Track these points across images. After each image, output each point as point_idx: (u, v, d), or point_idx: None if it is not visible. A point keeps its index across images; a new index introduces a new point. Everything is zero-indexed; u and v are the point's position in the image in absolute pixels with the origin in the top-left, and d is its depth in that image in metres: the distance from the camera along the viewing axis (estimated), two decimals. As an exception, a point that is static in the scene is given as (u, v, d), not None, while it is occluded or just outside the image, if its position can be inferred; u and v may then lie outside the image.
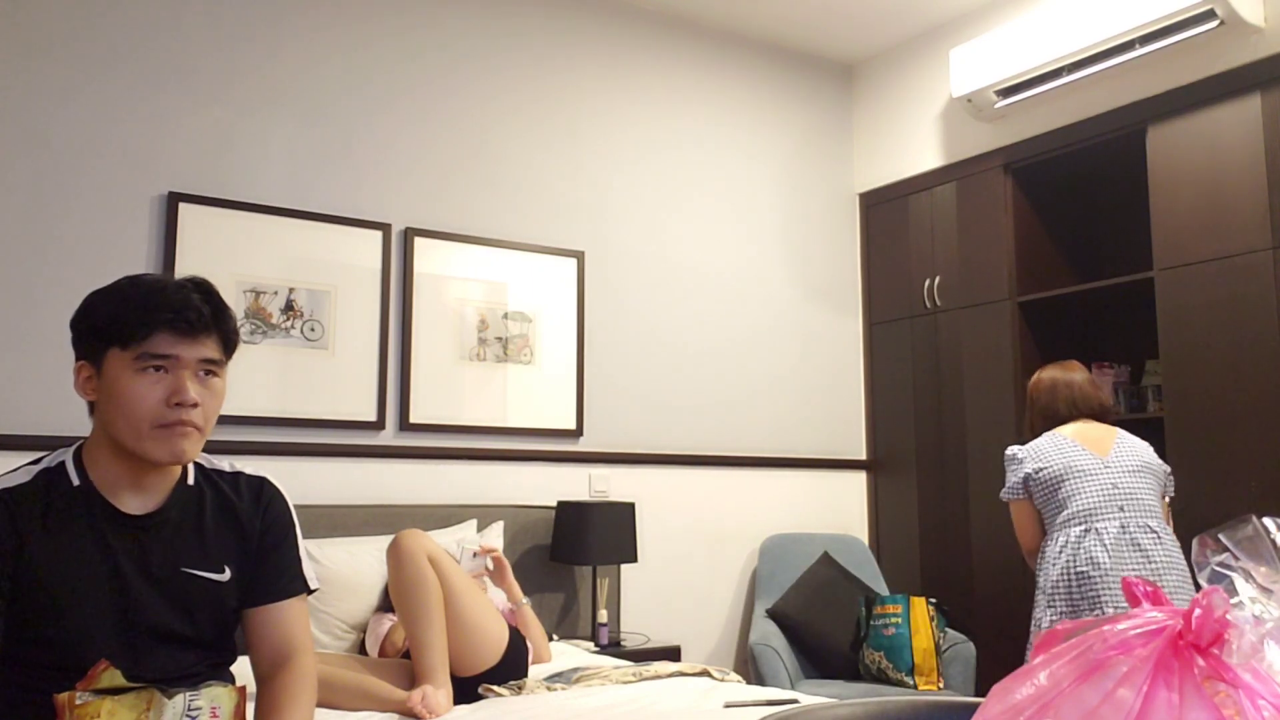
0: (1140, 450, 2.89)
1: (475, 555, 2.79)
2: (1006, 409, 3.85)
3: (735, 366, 4.19)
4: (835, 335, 4.50)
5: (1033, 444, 2.94)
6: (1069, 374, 3.03)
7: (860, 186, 4.63)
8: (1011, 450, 2.98)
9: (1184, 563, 2.73)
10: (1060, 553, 2.76)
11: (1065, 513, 2.80)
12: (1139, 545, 2.71)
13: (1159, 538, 2.75)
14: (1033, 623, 2.86)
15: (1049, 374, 3.07)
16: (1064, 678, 0.64)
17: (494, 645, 2.38)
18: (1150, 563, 2.70)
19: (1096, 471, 2.81)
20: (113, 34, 3.11)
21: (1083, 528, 2.75)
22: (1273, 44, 3.20)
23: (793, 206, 4.46)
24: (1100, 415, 2.98)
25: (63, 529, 1.44)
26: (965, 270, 4.08)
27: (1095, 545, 2.71)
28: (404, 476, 3.41)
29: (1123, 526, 2.74)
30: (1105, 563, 2.68)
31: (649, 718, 2.08)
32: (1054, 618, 2.71)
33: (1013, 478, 2.94)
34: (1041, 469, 2.86)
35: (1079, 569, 2.71)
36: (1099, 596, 2.67)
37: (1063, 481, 2.82)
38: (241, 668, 1.61)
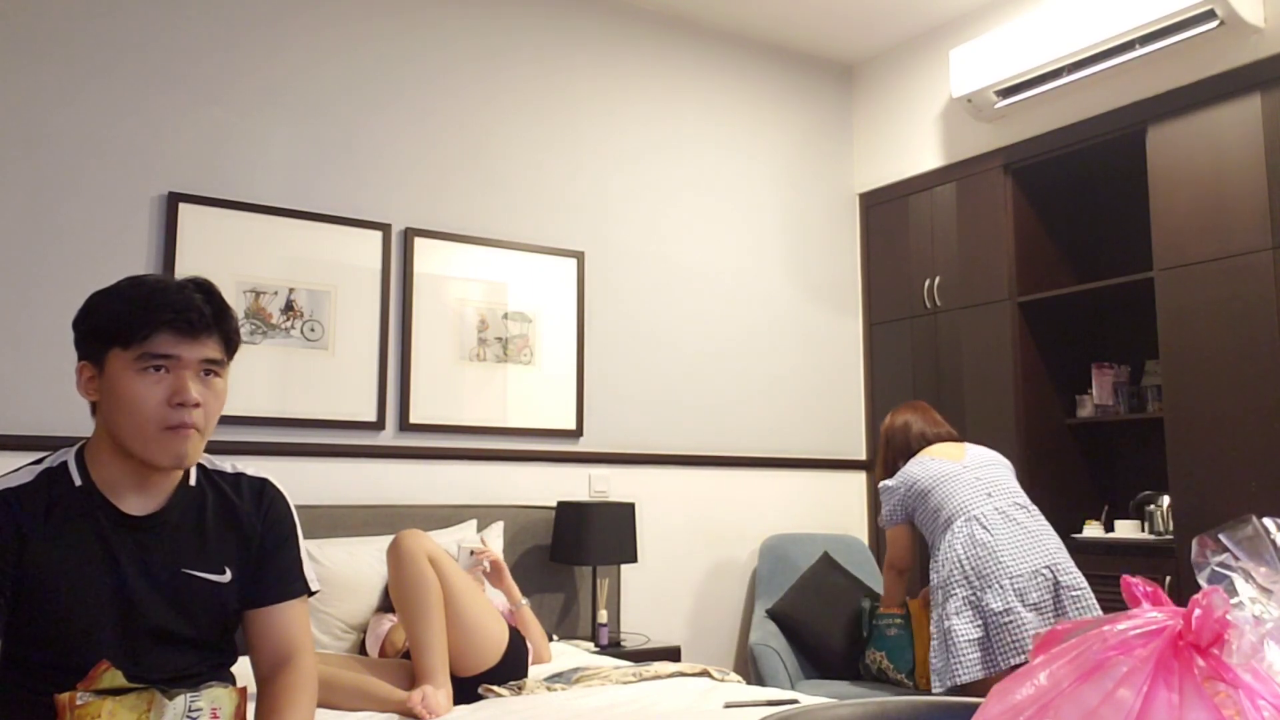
0: (989, 452, 3.11)
1: (472, 554, 2.79)
2: (1006, 409, 3.85)
3: (735, 366, 4.19)
4: (835, 335, 4.50)
5: (900, 473, 3.10)
6: (914, 412, 3.24)
7: (860, 186, 4.63)
8: (883, 483, 3.14)
9: (1054, 531, 2.94)
10: (952, 542, 2.87)
11: (943, 514, 2.93)
12: (1013, 519, 2.88)
13: (1029, 511, 2.94)
14: (933, 620, 2.93)
15: (899, 418, 3.25)
16: (1064, 678, 0.64)
17: (494, 645, 2.39)
18: (1028, 532, 2.86)
19: (957, 473, 2.98)
20: (112, 34, 3.11)
21: (962, 519, 2.88)
22: (1273, 44, 3.20)
23: (793, 206, 4.46)
24: (949, 439, 3.18)
25: (64, 529, 1.44)
26: (965, 270, 4.08)
27: (976, 527, 2.85)
28: (404, 477, 3.41)
29: (996, 509, 2.89)
30: (989, 541, 2.81)
31: (649, 718, 2.08)
32: (958, 603, 2.80)
33: (889, 503, 3.09)
34: (911, 485, 3.02)
35: (966, 550, 2.83)
36: (993, 573, 2.77)
37: (931, 490, 2.97)
38: (242, 668, 1.61)
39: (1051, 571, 2.81)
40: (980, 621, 2.77)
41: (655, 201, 4.08)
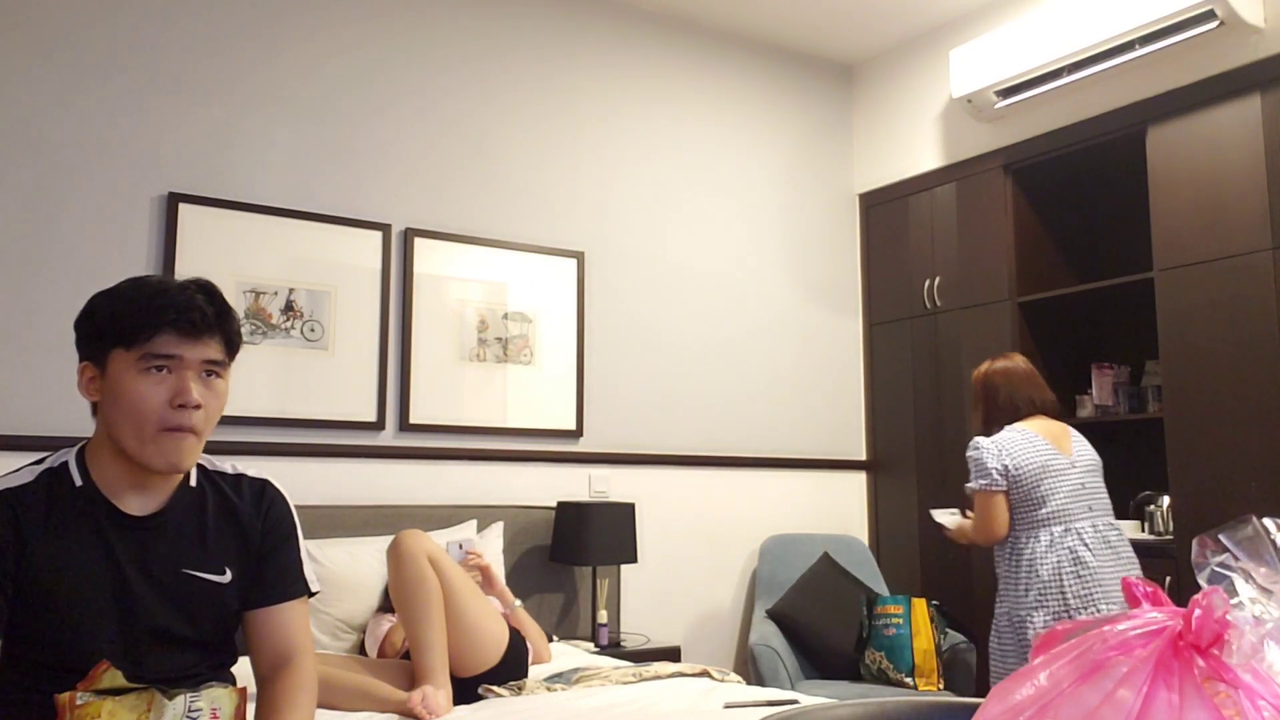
0: (1091, 450, 2.98)
1: (461, 547, 2.81)
2: (1006, 409, 3.85)
3: (735, 366, 4.19)
4: (835, 335, 4.50)
5: (1001, 438, 2.91)
6: (1022, 368, 3.03)
7: (860, 187, 4.63)
8: (981, 443, 2.92)
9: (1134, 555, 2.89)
10: (1049, 551, 2.78)
11: (1044, 510, 2.82)
12: (1109, 543, 2.82)
13: (1121, 534, 2.88)
14: (1008, 620, 2.84)
15: (1001, 366, 3.04)
16: (1064, 678, 0.64)
17: (494, 645, 2.39)
18: (1119, 560, 2.81)
19: (1066, 471, 2.86)
20: (113, 35, 3.11)
21: (1063, 527, 2.80)
22: (1273, 44, 3.20)
23: (793, 206, 4.46)
24: (1055, 412, 3.04)
25: (65, 529, 1.44)
26: (965, 270, 4.08)
27: (1078, 544, 2.77)
28: (404, 477, 3.41)
29: (1094, 526, 2.82)
30: (1091, 562, 2.75)
31: (649, 718, 2.08)
32: (1047, 618, 2.74)
33: (992, 465, 2.86)
34: (1020, 465, 2.84)
35: (1069, 568, 2.75)
36: (1091, 595, 2.73)
37: (1041, 479, 2.83)
38: (242, 669, 1.61)
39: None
40: None
41: (655, 201, 4.08)
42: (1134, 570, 2.83)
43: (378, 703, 2.18)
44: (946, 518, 3.15)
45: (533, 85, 3.85)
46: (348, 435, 3.34)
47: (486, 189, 3.71)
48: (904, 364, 4.34)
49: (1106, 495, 2.92)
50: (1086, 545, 2.76)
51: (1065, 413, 3.90)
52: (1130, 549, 2.87)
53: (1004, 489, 2.86)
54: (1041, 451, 2.86)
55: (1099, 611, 2.69)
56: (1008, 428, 2.95)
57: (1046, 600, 2.75)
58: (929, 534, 4.14)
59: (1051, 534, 2.79)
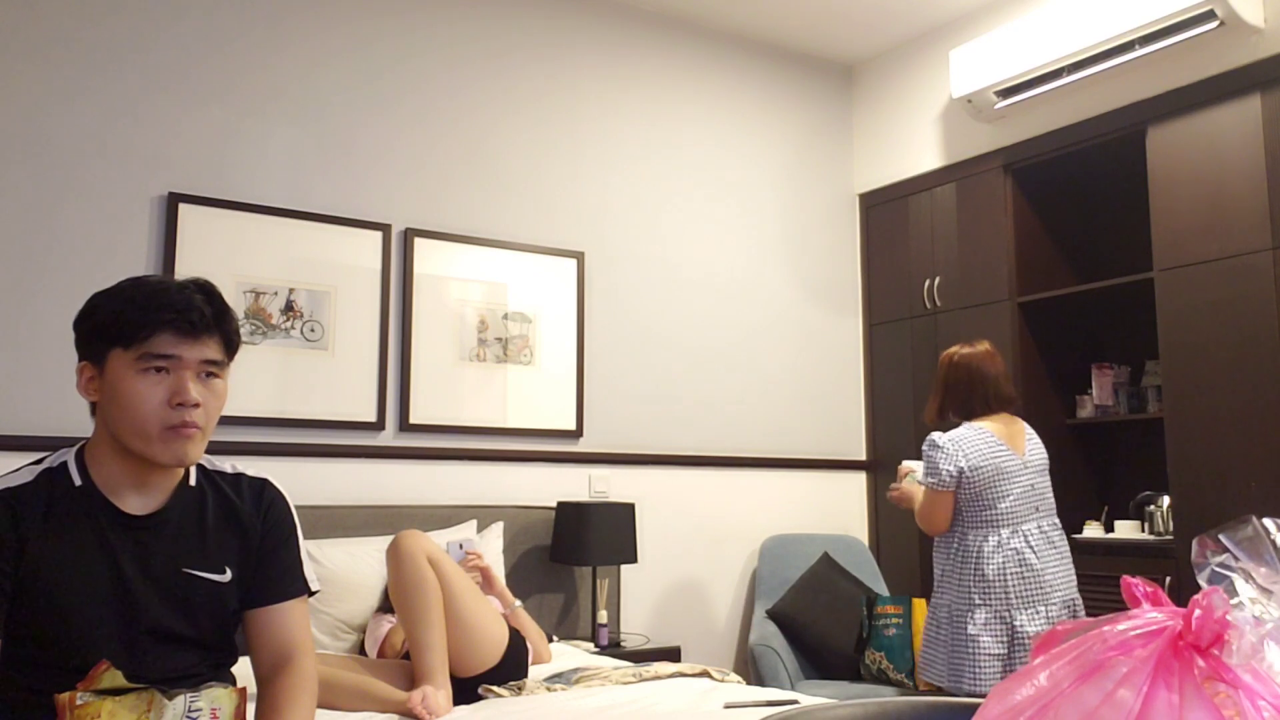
0: (1042, 449, 2.98)
1: (461, 547, 2.82)
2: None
3: (735, 367, 4.19)
4: (835, 335, 4.50)
5: (958, 435, 2.87)
6: (985, 364, 2.96)
7: (860, 187, 4.63)
8: (939, 441, 2.87)
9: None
10: (995, 552, 2.80)
11: (991, 512, 2.83)
12: (1054, 543, 2.85)
13: (1063, 534, 2.91)
14: (947, 613, 2.82)
15: (964, 359, 2.97)
16: (1064, 678, 0.64)
17: (494, 646, 2.39)
18: (1063, 560, 2.86)
19: (1018, 473, 2.86)
20: (113, 35, 3.11)
21: (1010, 529, 2.81)
22: (1273, 44, 3.20)
23: (793, 207, 4.46)
24: (1014, 409, 3.00)
25: (64, 529, 1.44)
26: (965, 270, 4.08)
27: (1024, 547, 2.80)
28: (404, 477, 3.41)
29: (1039, 527, 2.84)
30: (1035, 564, 2.78)
31: (649, 718, 2.08)
32: (988, 616, 2.76)
33: (945, 466, 2.83)
34: (975, 468, 2.81)
35: (1014, 569, 2.77)
36: (1032, 595, 2.76)
37: (994, 482, 2.83)
38: (242, 668, 1.61)
39: (1072, 606, 2.84)
40: (1006, 639, 2.74)
41: (655, 201, 4.08)
42: (1071, 572, 2.87)
43: (378, 703, 2.18)
44: (915, 464, 3.07)
45: (533, 85, 3.85)
46: (348, 435, 3.34)
47: (486, 189, 3.71)
48: (904, 364, 4.34)
49: (1052, 494, 2.93)
50: (1032, 547, 2.79)
51: (1064, 413, 3.92)
52: (1068, 546, 2.91)
53: (952, 490, 2.85)
54: (998, 454, 2.84)
55: (1039, 611, 2.74)
56: (966, 425, 2.91)
57: (989, 599, 2.77)
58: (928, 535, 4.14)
59: (1000, 535, 2.80)
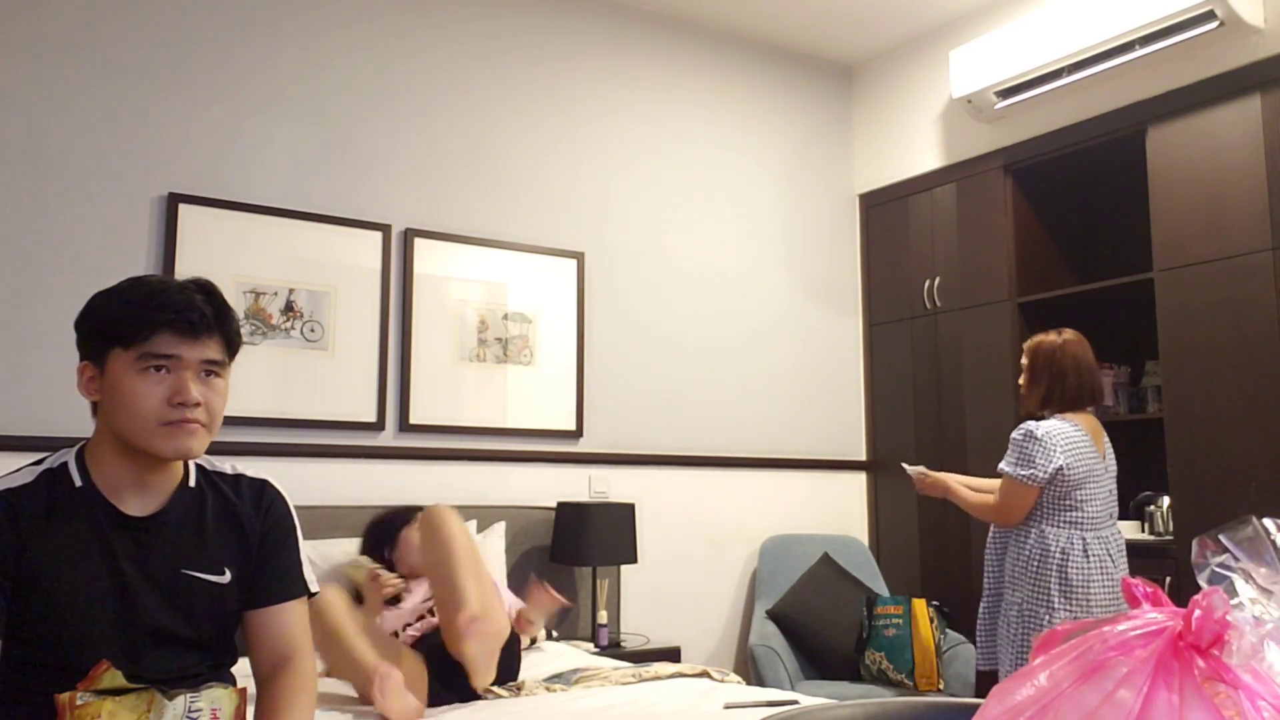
0: (1111, 453, 2.91)
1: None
2: (1006, 409, 3.84)
3: (735, 367, 4.19)
4: (835, 336, 4.50)
5: (1055, 429, 2.74)
6: (1088, 354, 2.86)
7: (860, 187, 4.63)
8: (1036, 432, 2.74)
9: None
10: (1081, 557, 2.73)
11: (1076, 514, 2.75)
12: (1121, 549, 2.83)
13: (1123, 550, 2.85)
14: (1018, 613, 2.76)
15: (1072, 347, 2.83)
16: (1064, 679, 0.64)
17: (503, 617, 2.40)
18: (1124, 564, 2.83)
19: (1102, 477, 2.81)
20: (113, 36, 3.11)
21: (1093, 533, 2.76)
22: (1273, 44, 3.20)
23: (793, 207, 4.46)
24: (1098, 401, 2.94)
25: (64, 530, 1.44)
26: (965, 271, 4.08)
27: (1104, 554, 2.76)
28: (404, 477, 3.41)
29: (1113, 533, 2.83)
30: (1115, 572, 2.76)
31: (649, 719, 2.08)
32: (1067, 619, 2.69)
33: (1042, 461, 2.70)
34: (1072, 467, 2.71)
35: (1098, 578, 2.72)
36: (1110, 604, 2.72)
37: (1084, 483, 2.75)
38: (242, 669, 1.61)
39: None
40: None
41: (655, 201, 4.08)
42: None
43: (349, 662, 2.17)
44: (915, 471, 3.06)
45: (533, 85, 3.85)
46: (348, 435, 3.34)
47: (486, 189, 3.71)
48: (904, 364, 4.34)
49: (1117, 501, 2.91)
50: (1110, 555, 2.75)
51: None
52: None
53: (1043, 485, 2.73)
54: (1087, 455, 2.76)
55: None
56: (1060, 418, 2.79)
57: (1072, 603, 2.69)
58: (929, 534, 4.15)
59: (1084, 539, 2.73)
